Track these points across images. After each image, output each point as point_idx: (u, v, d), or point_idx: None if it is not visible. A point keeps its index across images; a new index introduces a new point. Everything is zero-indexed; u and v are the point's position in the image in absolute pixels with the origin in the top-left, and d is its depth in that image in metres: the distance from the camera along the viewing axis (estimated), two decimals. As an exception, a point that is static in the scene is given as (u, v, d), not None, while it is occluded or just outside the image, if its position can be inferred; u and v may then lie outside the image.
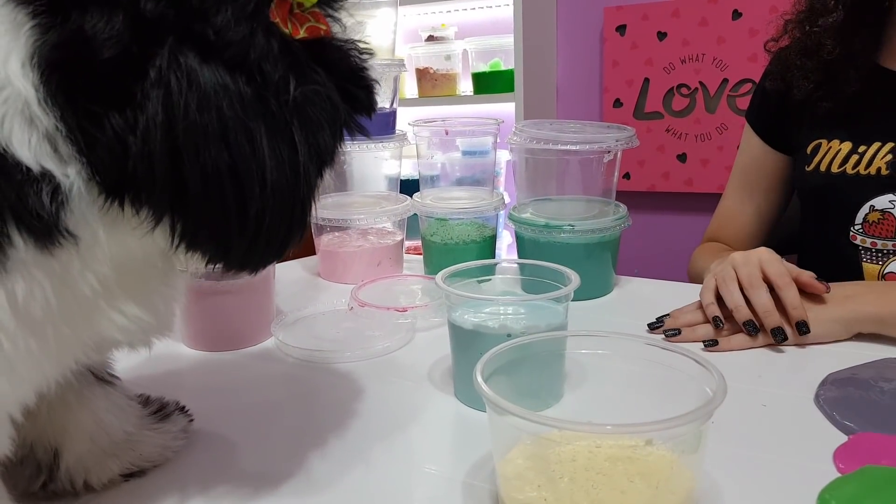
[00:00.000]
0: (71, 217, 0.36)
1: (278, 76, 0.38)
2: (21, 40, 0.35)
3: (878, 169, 0.87)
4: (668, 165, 2.07)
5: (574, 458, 0.43)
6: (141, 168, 0.36)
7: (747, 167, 1.07)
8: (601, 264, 0.92)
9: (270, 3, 0.39)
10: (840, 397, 0.59)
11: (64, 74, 0.35)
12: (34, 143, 0.34)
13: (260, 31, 0.38)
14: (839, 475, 0.49)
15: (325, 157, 0.42)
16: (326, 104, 0.41)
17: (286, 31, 0.39)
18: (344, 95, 0.42)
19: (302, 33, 0.40)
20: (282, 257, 0.43)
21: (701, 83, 1.99)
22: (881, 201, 0.87)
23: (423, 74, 2.21)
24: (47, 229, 0.35)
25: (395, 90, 1.16)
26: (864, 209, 0.89)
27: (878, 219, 0.88)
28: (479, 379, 0.45)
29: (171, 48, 0.36)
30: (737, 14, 1.91)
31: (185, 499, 0.50)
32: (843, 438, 0.54)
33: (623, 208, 0.94)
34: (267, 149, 0.38)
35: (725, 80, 1.95)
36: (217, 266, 0.41)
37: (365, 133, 0.45)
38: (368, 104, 0.45)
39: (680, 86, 2.03)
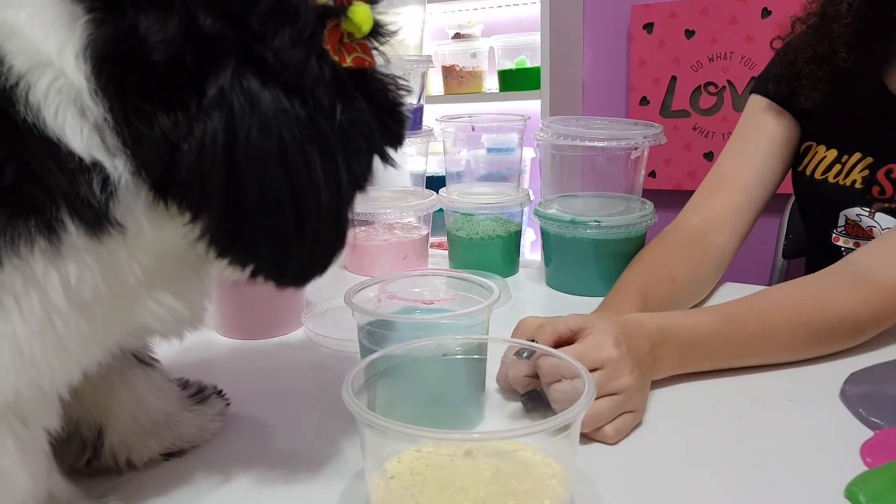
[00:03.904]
0: (119, 207, 0.37)
1: (328, 101, 0.40)
2: (76, 33, 0.36)
3: (854, 181, 0.87)
4: (695, 164, 2.06)
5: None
6: (193, 178, 0.38)
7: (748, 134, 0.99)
8: (626, 260, 0.92)
9: (324, 30, 0.40)
10: (866, 393, 0.60)
11: (114, 68, 0.36)
12: (86, 134, 0.36)
13: (314, 56, 0.39)
14: (866, 469, 0.49)
15: (360, 181, 0.44)
16: (367, 131, 0.43)
17: (335, 58, 0.41)
18: (380, 125, 0.44)
19: (349, 62, 0.41)
20: (324, 273, 0.45)
21: (729, 81, 1.98)
22: (851, 213, 0.88)
23: (449, 72, 2.21)
24: (97, 217, 0.36)
25: (422, 86, 1.17)
26: (841, 218, 0.90)
27: (855, 223, 0.89)
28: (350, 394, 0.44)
29: (235, 70, 0.37)
30: (766, 12, 1.90)
31: (223, 478, 0.52)
32: (869, 434, 0.54)
33: (649, 205, 0.94)
34: (320, 170, 0.40)
35: (754, 79, 1.93)
36: (270, 281, 0.43)
37: (393, 164, 0.47)
38: (399, 137, 0.46)
39: (707, 84, 2.01)
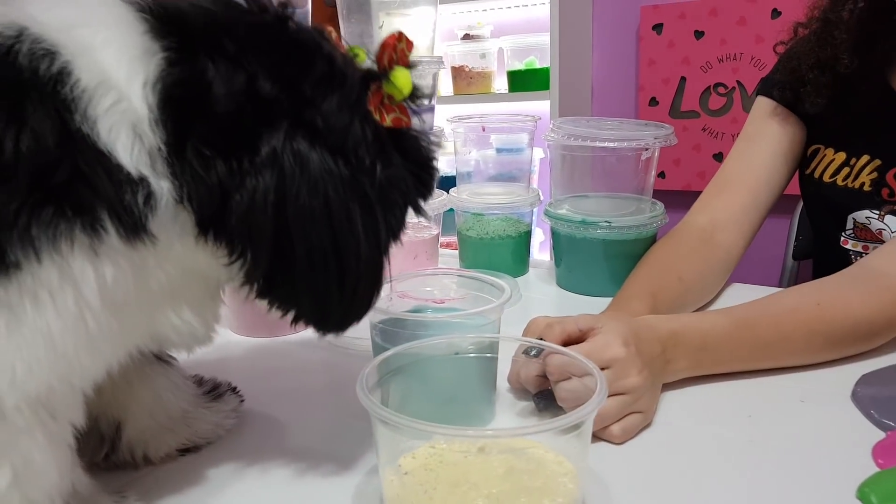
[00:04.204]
0: (156, 221, 0.39)
1: (370, 160, 0.43)
2: (149, 66, 0.38)
3: (862, 184, 0.87)
4: (704, 165, 2.06)
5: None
6: (241, 229, 0.40)
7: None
8: (637, 261, 0.92)
9: (368, 93, 0.44)
10: (877, 395, 0.60)
11: (179, 108, 0.39)
12: (135, 153, 0.38)
13: (358, 119, 0.43)
14: (878, 470, 0.49)
15: (396, 232, 0.48)
16: (403, 187, 0.46)
17: (375, 116, 0.44)
18: (414, 180, 0.47)
19: (388, 122, 0.45)
20: (361, 319, 0.48)
21: (738, 82, 1.98)
22: (860, 216, 0.88)
23: (458, 73, 2.22)
24: (135, 225, 0.38)
25: (433, 87, 1.17)
26: (850, 221, 0.90)
27: (864, 226, 0.89)
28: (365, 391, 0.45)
29: (287, 133, 0.40)
30: (776, 13, 1.89)
31: (237, 473, 0.52)
32: (881, 435, 0.54)
33: (660, 206, 0.95)
34: (361, 226, 0.42)
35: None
36: (311, 327, 0.46)
37: (426, 216, 0.50)
38: (431, 189, 0.50)
39: (717, 85, 2.01)
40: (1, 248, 0.33)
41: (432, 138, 0.49)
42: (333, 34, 0.48)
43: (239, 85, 0.39)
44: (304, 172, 0.40)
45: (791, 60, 0.92)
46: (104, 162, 0.36)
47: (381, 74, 0.45)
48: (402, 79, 0.45)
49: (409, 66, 0.46)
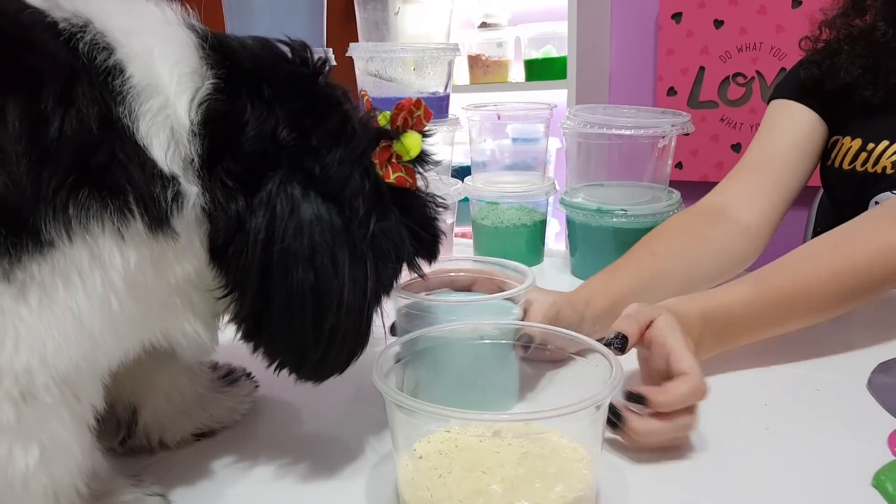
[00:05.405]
0: (180, 220, 0.40)
1: (364, 211, 0.44)
2: (198, 87, 0.41)
3: (884, 168, 0.86)
4: (722, 155, 2.04)
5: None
6: (234, 263, 0.42)
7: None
8: (653, 250, 0.92)
9: (376, 148, 0.46)
10: (893, 384, 0.59)
11: (215, 133, 0.41)
12: (170, 154, 0.39)
13: (358, 172, 0.44)
14: (894, 458, 0.49)
15: (386, 286, 0.48)
16: (397, 240, 0.47)
17: (380, 172, 0.46)
18: (413, 237, 0.48)
19: (391, 179, 0.46)
20: (344, 371, 0.48)
21: (758, 72, 1.95)
22: (882, 198, 0.87)
23: (474, 61, 2.21)
24: (160, 217, 0.39)
25: (449, 74, 1.17)
26: (872, 206, 0.88)
27: None
28: (379, 377, 0.45)
29: (283, 177, 0.42)
30: (797, 2, 1.87)
31: (252, 458, 0.53)
32: (898, 425, 0.54)
33: (676, 194, 0.94)
34: (347, 272, 0.43)
35: (784, 70, 1.90)
36: (292, 375, 0.47)
37: (421, 275, 0.52)
38: (432, 249, 0.51)
39: (736, 74, 1.99)
40: (35, 226, 0.34)
41: (438, 200, 0.51)
42: (367, 98, 0.51)
43: (268, 130, 0.42)
44: (293, 215, 0.42)
45: (827, 44, 0.92)
46: (140, 154, 0.38)
47: (392, 133, 0.48)
48: (411, 141, 0.48)
49: (423, 133, 0.49)
